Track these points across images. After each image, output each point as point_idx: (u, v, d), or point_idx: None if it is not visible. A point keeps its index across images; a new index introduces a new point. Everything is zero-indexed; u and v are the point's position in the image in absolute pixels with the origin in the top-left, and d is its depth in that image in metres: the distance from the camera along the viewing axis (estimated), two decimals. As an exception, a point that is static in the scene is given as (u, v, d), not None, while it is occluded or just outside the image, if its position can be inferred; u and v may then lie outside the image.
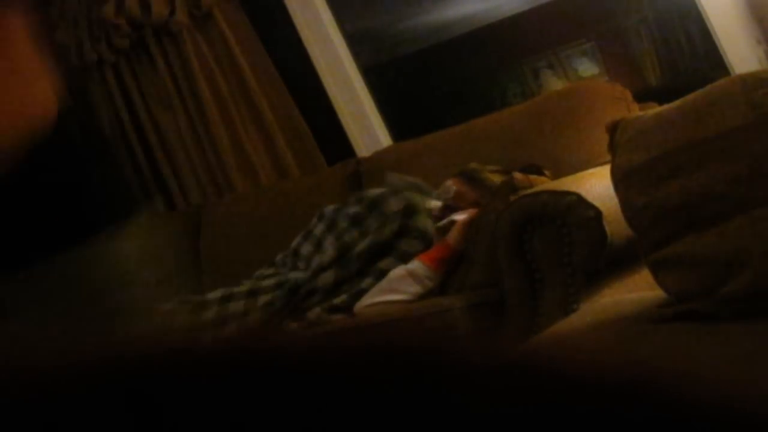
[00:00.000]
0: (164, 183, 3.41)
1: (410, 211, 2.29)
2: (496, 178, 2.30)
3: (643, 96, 2.57)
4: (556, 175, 2.19)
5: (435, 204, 2.33)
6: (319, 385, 0.26)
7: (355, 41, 3.30)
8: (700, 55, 3.09)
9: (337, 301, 2.23)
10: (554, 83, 3.60)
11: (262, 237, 2.92)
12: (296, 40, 3.21)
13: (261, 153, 3.22)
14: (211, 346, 0.29)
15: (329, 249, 2.35)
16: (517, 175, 2.10)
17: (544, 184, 2.05)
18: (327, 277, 2.26)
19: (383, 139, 3.21)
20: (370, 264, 2.26)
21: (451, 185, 2.35)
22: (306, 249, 2.45)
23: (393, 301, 2.16)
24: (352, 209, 2.42)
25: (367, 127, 3.21)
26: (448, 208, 2.32)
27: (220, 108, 3.23)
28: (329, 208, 2.52)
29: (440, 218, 2.29)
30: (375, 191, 2.41)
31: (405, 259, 2.22)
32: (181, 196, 3.39)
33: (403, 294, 2.14)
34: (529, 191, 1.92)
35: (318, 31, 3.21)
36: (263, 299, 2.31)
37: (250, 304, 2.31)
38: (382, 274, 2.22)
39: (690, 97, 1.38)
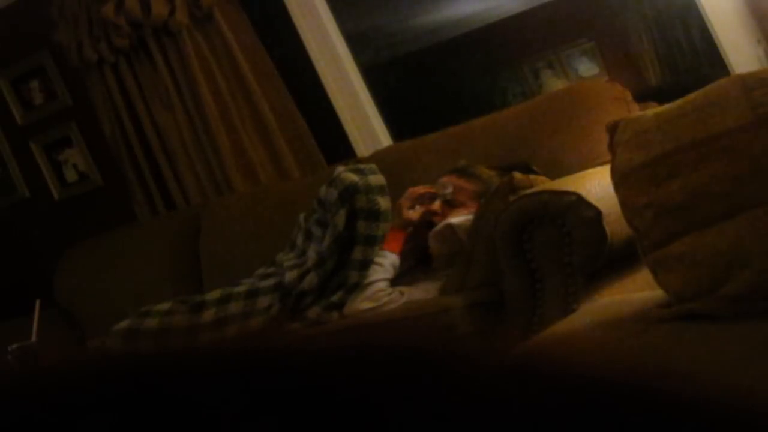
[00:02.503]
0: (164, 183, 3.41)
1: (348, 195, 2.28)
2: (490, 172, 2.32)
3: (643, 96, 2.57)
4: (556, 175, 2.19)
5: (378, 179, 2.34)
6: (320, 386, 0.26)
7: (355, 41, 3.30)
8: (700, 55, 3.09)
9: (334, 298, 2.24)
10: (554, 83, 3.60)
11: (262, 237, 2.92)
12: (296, 40, 3.21)
13: (261, 153, 3.22)
14: (212, 347, 0.29)
15: (312, 255, 2.35)
16: (517, 175, 2.10)
17: (544, 184, 2.05)
18: (310, 279, 2.27)
19: (383, 139, 3.21)
20: (347, 257, 2.26)
21: (448, 182, 2.35)
22: (290, 260, 2.45)
23: (379, 291, 2.19)
24: (316, 214, 2.43)
25: (367, 127, 3.21)
26: (448, 204, 2.32)
27: (220, 108, 3.22)
28: (301, 217, 2.53)
29: (434, 223, 2.28)
30: (322, 189, 2.41)
31: (371, 242, 2.24)
32: (181, 196, 3.39)
33: (380, 282, 2.20)
34: (529, 191, 1.92)
35: (318, 31, 3.21)
36: (262, 301, 2.31)
37: (249, 306, 2.31)
38: (363, 264, 2.23)
39: (690, 97, 1.38)
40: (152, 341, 2.36)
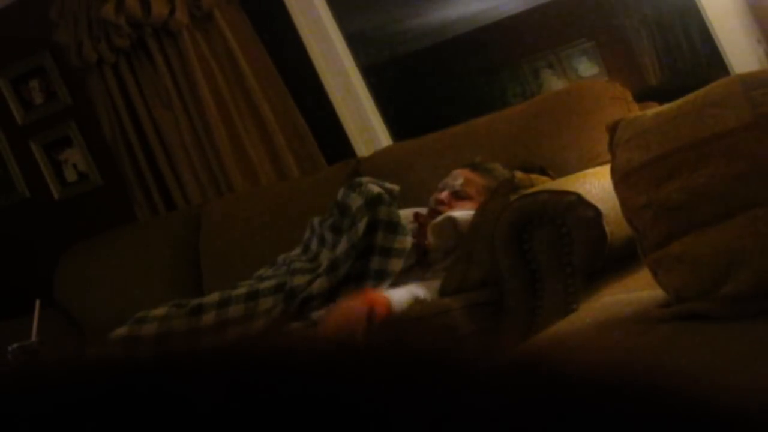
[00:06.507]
0: (164, 183, 3.41)
1: (374, 204, 2.28)
2: (504, 171, 2.32)
3: (643, 96, 2.57)
4: (556, 175, 2.19)
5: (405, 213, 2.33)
6: (321, 385, 0.26)
7: (355, 41, 3.30)
8: (700, 55, 3.09)
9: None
10: (554, 83, 3.59)
11: (262, 237, 2.92)
12: (296, 40, 3.21)
13: (261, 153, 3.22)
14: (214, 347, 0.29)
15: (325, 262, 2.35)
16: (518, 174, 2.10)
17: (544, 183, 2.05)
18: (320, 283, 2.26)
19: (383, 139, 3.21)
20: (365, 265, 2.25)
21: (459, 174, 2.36)
22: (302, 263, 2.44)
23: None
24: (330, 219, 2.42)
25: (367, 127, 3.21)
26: (456, 195, 2.32)
27: (220, 108, 3.22)
28: (316, 221, 2.52)
29: (438, 213, 2.28)
30: (340, 193, 2.40)
31: (386, 254, 2.23)
32: (181, 196, 3.39)
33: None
34: (529, 191, 1.92)
35: (318, 31, 3.21)
36: (263, 303, 2.29)
37: (250, 308, 2.29)
38: (379, 274, 2.21)
39: (690, 97, 1.38)
40: (152, 347, 2.35)
